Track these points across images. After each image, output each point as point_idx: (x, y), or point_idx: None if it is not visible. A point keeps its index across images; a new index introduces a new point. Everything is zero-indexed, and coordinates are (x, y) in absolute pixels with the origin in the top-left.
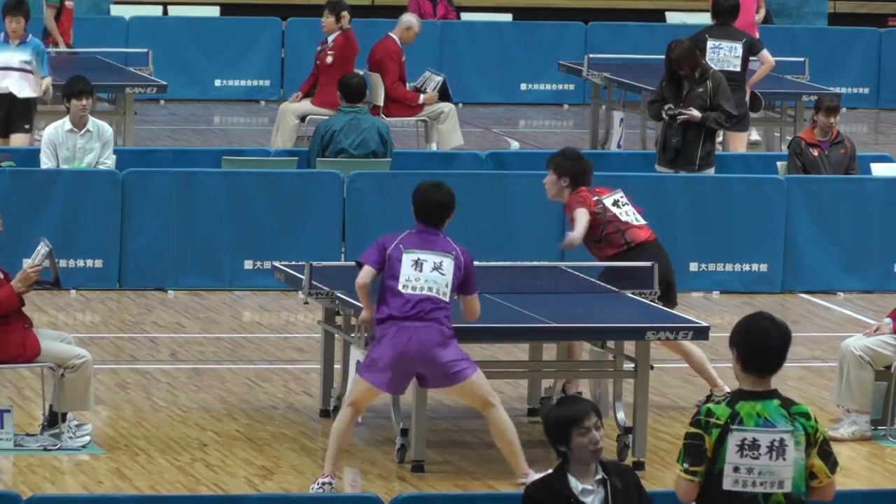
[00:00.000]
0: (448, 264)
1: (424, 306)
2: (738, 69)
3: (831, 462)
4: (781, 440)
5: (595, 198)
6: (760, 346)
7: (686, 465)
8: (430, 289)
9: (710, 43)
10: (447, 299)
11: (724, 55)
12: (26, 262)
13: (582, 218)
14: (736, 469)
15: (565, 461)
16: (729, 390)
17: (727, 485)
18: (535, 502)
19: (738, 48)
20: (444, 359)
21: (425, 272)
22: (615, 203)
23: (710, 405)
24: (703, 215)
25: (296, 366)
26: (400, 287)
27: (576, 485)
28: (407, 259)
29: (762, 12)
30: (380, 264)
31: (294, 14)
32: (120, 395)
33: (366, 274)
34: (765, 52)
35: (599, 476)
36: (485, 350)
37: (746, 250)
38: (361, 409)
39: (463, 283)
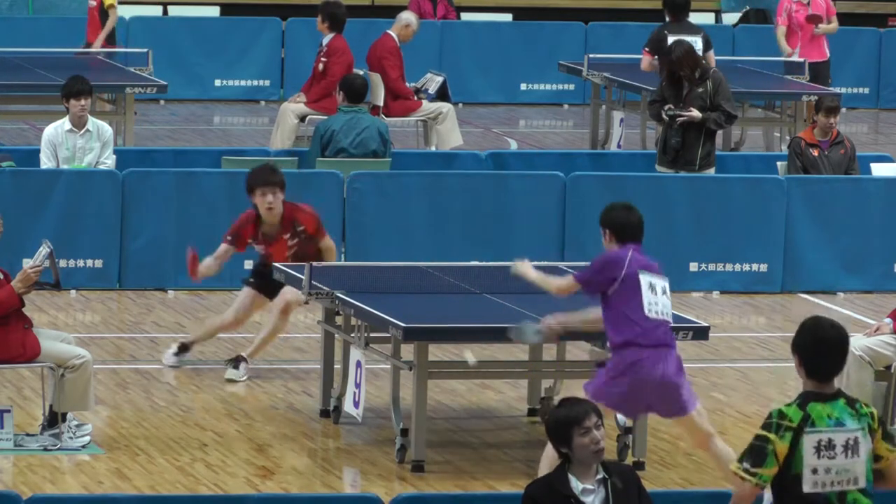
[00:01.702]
0: (667, 287)
1: (668, 332)
2: None
3: (892, 440)
4: (856, 439)
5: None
6: (821, 352)
7: (746, 465)
8: (665, 314)
9: (670, 39)
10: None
11: None
12: (27, 263)
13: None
14: (814, 471)
15: (567, 461)
16: None
17: (808, 487)
18: (535, 502)
19: (699, 41)
20: (681, 388)
21: (659, 296)
22: None
23: (781, 408)
24: (703, 215)
25: (296, 366)
26: (646, 312)
27: (576, 484)
28: (644, 282)
29: (833, 24)
30: (599, 288)
31: (294, 14)
32: (120, 395)
33: (571, 286)
34: (710, 53)
35: (600, 476)
36: (484, 350)
37: (746, 250)
38: None
39: None
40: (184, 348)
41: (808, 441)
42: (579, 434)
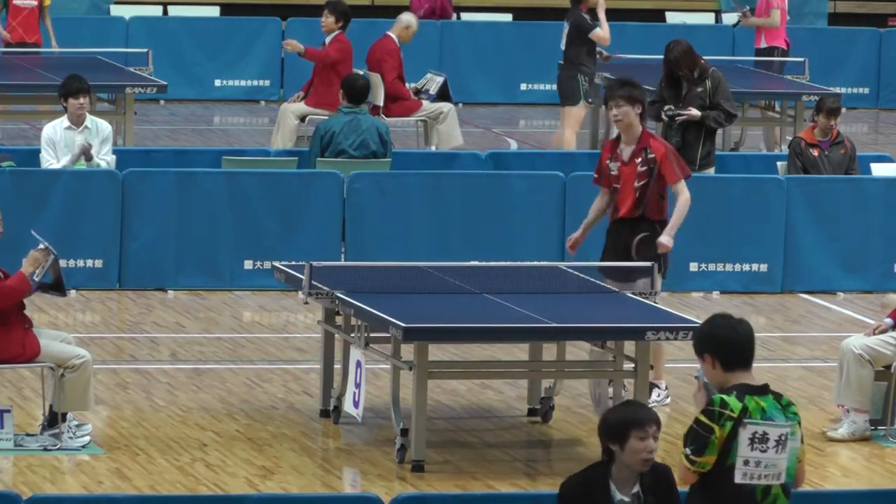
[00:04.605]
0: None
1: None
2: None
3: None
4: (786, 435)
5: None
6: (736, 342)
7: (688, 450)
8: None
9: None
10: None
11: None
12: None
13: None
14: (746, 462)
15: (609, 464)
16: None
17: (738, 478)
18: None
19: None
20: None
21: None
22: None
23: (723, 396)
24: (703, 215)
25: (296, 366)
26: None
27: (615, 493)
28: None
29: (761, 19)
30: None
31: (294, 14)
32: (120, 395)
33: None
34: (597, 31)
35: (636, 489)
36: (484, 350)
37: (746, 250)
38: None
39: None
40: None
41: (745, 433)
42: (637, 437)
